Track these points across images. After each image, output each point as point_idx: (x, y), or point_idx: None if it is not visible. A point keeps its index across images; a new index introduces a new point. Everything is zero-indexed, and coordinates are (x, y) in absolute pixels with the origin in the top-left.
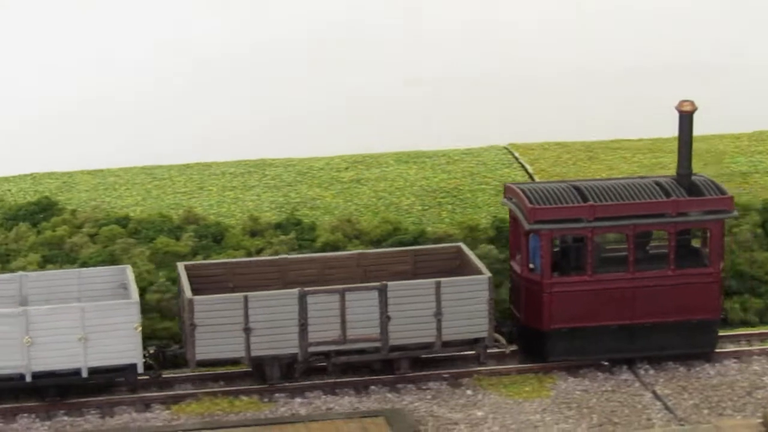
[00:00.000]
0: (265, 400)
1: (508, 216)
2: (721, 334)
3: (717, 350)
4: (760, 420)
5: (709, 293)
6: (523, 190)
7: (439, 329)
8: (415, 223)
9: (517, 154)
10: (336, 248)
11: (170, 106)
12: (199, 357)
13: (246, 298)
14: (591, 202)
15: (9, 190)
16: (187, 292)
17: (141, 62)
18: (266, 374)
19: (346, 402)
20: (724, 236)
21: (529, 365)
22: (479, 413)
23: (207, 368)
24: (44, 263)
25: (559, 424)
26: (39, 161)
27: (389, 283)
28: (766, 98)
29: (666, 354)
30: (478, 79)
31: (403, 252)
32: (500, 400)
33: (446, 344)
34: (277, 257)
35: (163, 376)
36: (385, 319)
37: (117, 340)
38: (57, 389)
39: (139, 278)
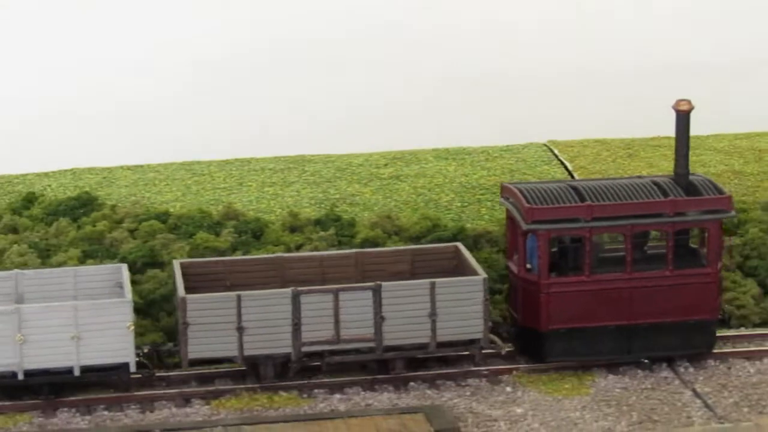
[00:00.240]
0: (305, 395)
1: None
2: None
3: (759, 348)
4: None
5: (707, 293)
6: (520, 190)
7: (433, 330)
8: (455, 219)
9: (556, 151)
10: (375, 244)
11: (210, 102)
12: (191, 356)
13: (239, 297)
14: (588, 202)
15: (49, 186)
16: (181, 290)
17: (181, 58)
18: (260, 373)
19: (385, 398)
20: (723, 236)
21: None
22: (519, 410)
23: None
24: (84, 258)
25: (598, 421)
26: (79, 157)
27: (383, 284)
28: None
29: (663, 355)
30: (518, 76)
31: (401, 252)
32: (539, 398)
33: (441, 345)
34: (274, 255)
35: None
36: (379, 319)
37: (110, 338)
38: (50, 387)
39: None
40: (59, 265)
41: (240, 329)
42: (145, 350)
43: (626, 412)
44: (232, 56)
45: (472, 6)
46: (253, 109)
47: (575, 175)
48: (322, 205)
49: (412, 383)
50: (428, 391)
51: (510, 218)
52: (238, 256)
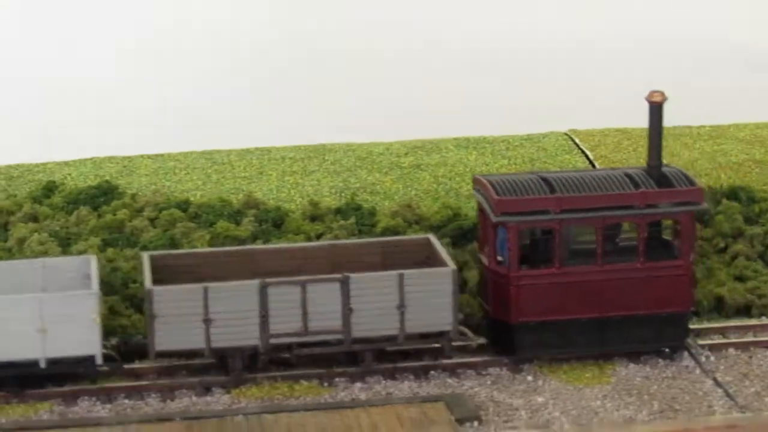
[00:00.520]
0: (325, 384)
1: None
2: None
3: None
4: None
5: (679, 286)
6: (490, 182)
7: (402, 322)
8: (476, 209)
9: (577, 140)
10: (396, 233)
11: (230, 91)
12: (158, 348)
13: (206, 289)
14: (558, 194)
15: (69, 174)
16: (147, 282)
17: (202, 47)
18: (228, 366)
19: (405, 387)
20: (695, 228)
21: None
22: (540, 399)
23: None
24: (105, 247)
25: (619, 410)
26: (99, 146)
27: (351, 275)
28: None
29: (636, 349)
30: (540, 65)
31: (373, 243)
32: (560, 387)
33: (410, 337)
34: (246, 248)
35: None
36: (347, 311)
37: (76, 331)
38: (15, 380)
39: None
40: (79, 253)
41: (207, 321)
42: (113, 342)
43: (647, 402)
44: (252, 45)
45: None
46: (273, 98)
47: (596, 164)
48: (343, 195)
49: (432, 372)
50: (449, 380)
51: (481, 210)
52: (209, 248)
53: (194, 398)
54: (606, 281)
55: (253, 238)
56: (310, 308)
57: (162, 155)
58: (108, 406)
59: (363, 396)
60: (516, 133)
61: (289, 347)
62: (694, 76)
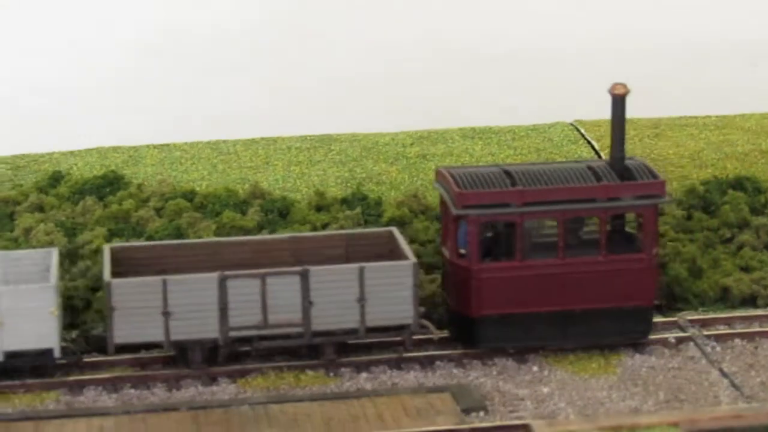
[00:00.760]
0: (331, 374)
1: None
2: None
3: None
4: None
5: (642, 279)
6: (452, 175)
7: (362, 315)
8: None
9: (583, 131)
10: (402, 223)
11: (235, 81)
12: (117, 340)
13: (165, 282)
14: (520, 187)
15: (75, 164)
16: (106, 275)
17: (206, 37)
18: (188, 358)
19: (411, 377)
20: (658, 221)
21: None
22: (545, 389)
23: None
24: (110, 237)
25: (625, 401)
26: (105, 135)
27: (311, 268)
28: None
29: (598, 343)
30: (545, 55)
31: (336, 236)
32: (566, 377)
33: (371, 330)
34: (208, 240)
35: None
36: (307, 304)
37: (33, 324)
38: None
39: None
40: (85, 244)
41: (166, 314)
42: (73, 336)
43: (653, 392)
44: (257, 34)
45: None
46: (279, 88)
47: (602, 154)
48: (349, 185)
49: (438, 362)
50: (455, 370)
51: (443, 203)
52: (173, 241)
53: (200, 388)
54: (568, 274)
55: (259, 228)
56: (270, 301)
57: (168, 145)
58: (114, 395)
59: (369, 386)
60: (522, 123)
61: (249, 340)
62: (700, 66)
